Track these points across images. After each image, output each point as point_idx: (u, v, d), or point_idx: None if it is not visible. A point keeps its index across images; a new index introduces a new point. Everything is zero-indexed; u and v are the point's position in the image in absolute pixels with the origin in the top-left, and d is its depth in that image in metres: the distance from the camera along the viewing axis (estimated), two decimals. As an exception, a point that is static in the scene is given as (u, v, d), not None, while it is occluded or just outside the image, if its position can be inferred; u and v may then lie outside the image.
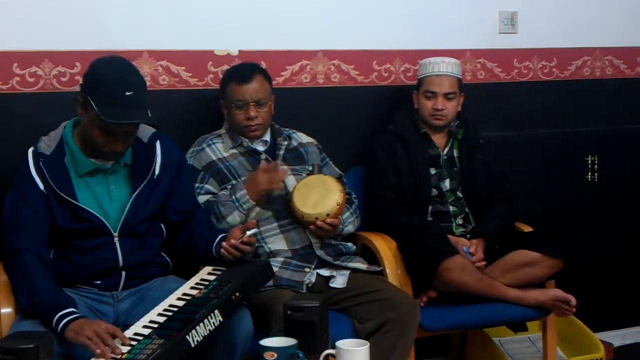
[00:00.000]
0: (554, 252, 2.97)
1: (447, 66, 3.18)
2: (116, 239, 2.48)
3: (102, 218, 2.46)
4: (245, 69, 2.94)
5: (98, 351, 2.10)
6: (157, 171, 2.55)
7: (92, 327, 2.16)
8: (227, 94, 2.89)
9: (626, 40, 3.84)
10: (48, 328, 2.24)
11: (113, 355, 2.10)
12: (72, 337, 2.19)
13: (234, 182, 2.85)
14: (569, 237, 3.06)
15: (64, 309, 2.25)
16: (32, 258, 2.36)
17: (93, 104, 2.33)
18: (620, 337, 3.83)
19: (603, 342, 3.36)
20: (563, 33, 3.71)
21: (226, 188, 2.84)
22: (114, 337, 2.15)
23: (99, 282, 2.47)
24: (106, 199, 2.49)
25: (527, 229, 3.26)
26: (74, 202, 2.43)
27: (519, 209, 3.29)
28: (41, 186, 2.43)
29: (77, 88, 2.46)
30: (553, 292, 2.99)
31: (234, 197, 2.77)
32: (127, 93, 2.33)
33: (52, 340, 1.97)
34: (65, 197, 2.43)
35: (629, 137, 3.87)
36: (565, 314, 3.03)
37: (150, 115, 2.38)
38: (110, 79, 2.35)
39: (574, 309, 2.99)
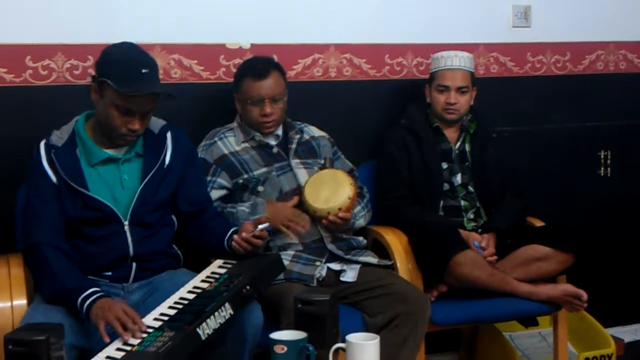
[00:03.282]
0: (565, 247, 2.96)
1: (460, 60, 3.17)
2: (126, 228, 2.49)
3: (112, 206, 2.47)
4: (261, 64, 2.92)
5: (124, 336, 2.15)
6: (167, 160, 2.57)
7: (114, 312, 2.19)
8: (242, 89, 2.89)
9: (640, 34, 3.83)
10: (72, 313, 2.29)
11: (124, 347, 2.12)
12: (94, 319, 2.23)
13: (245, 176, 2.85)
14: (580, 232, 3.05)
15: (87, 290, 2.29)
16: (51, 251, 2.39)
17: (110, 83, 2.37)
18: (631, 333, 3.82)
19: (614, 337, 3.36)
20: (577, 27, 3.69)
21: (238, 183, 2.85)
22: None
23: (109, 273, 2.49)
24: (118, 188, 2.51)
25: (539, 223, 3.25)
26: (85, 191, 2.45)
27: (531, 203, 3.28)
28: (53, 178, 2.46)
29: (88, 79, 2.49)
30: (564, 287, 2.99)
31: (252, 218, 2.75)
32: (143, 70, 2.39)
33: (63, 332, 1.99)
34: (76, 186, 2.45)
35: (643, 131, 3.86)
36: (576, 309, 3.02)
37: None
38: (125, 58, 2.42)
39: (585, 304, 2.98)
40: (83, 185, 2.46)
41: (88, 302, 2.27)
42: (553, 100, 3.70)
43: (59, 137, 2.51)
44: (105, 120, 2.45)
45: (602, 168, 3.80)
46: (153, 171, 2.53)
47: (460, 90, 3.15)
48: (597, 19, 3.72)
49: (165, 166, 2.57)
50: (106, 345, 2.14)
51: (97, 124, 2.50)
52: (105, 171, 2.51)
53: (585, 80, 3.74)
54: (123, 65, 2.39)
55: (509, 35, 3.59)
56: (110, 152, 2.51)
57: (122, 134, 2.45)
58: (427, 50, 3.36)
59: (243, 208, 2.80)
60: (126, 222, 2.50)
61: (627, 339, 3.71)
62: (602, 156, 3.79)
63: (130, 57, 2.42)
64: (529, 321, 3.14)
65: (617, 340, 3.42)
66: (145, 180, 2.51)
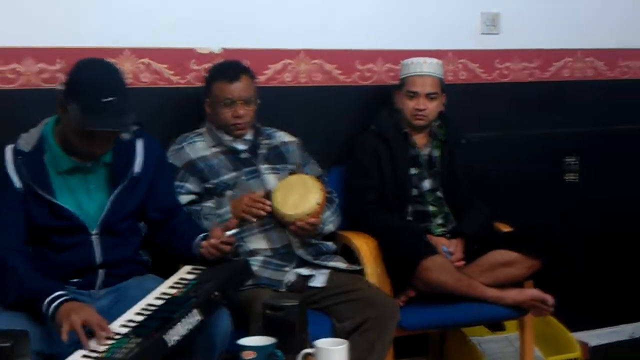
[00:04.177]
0: (532, 252, 2.99)
1: (429, 66, 3.20)
2: (94, 237, 2.47)
3: (80, 216, 2.45)
4: (233, 67, 2.94)
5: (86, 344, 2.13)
6: (137, 169, 2.54)
7: (81, 317, 2.17)
8: (214, 92, 2.89)
9: (607, 42, 3.86)
10: (36, 318, 2.26)
11: (90, 354, 2.11)
12: (58, 321, 2.19)
13: (214, 181, 2.85)
14: (547, 238, 3.09)
15: (53, 293, 2.25)
16: (13, 255, 2.36)
17: (72, 108, 2.32)
18: (596, 337, 3.86)
19: (579, 341, 3.39)
20: (544, 34, 3.73)
21: (206, 188, 2.85)
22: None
23: (76, 280, 2.47)
24: (85, 197, 2.48)
25: (506, 229, 3.28)
26: (52, 199, 2.43)
27: (498, 209, 3.31)
28: (18, 184, 2.41)
29: (58, 86, 2.45)
30: (531, 292, 3.02)
31: (217, 212, 2.76)
32: (107, 99, 2.30)
33: (29, 339, 1.97)
34: (43, 195, 2.42)
35: (609, 138, 3.90)
36: (542, 314, 3.06)
37: (130, 121, 2.38)
38: (89, 83, 2.33)
39: (552, 309, 3.02)
40: (50, 193, 2.43)
41: (54, 305, 2.23)
42: (521, 106, 3.73)
43: (27, 142, 2.46)
44: (68, 138, 2.41)
45: (570, 174, 3.84)
46: (124, 183, 2.50)
47: (429, 96, 3.18)
48: (564, 26, 3.76)
49: (134, 175, 2.54)
50: (71, 352, 2.12)
51: (63, 132, 2.46)
52: (72, 180, 2.47)
53: (552, 87, 3.78)
54: (86, 90, 2.32)
55: (478, 42, 3.61)
56: (77, 160, 2.46)
57: (83, 153, 2.42)
58: (397, 56, 3.38)
59: (209, 204, 2.80)
60: (94, 232, 2.47)
61: (593, 343, 3.75)
62: (569, 162, 3.83)
63: (96, 82, 2.33)
64: (496, 326, 3.18)
65: (583, 344, 3.46)
66: (116, 192, 2.49)
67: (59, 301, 2.24)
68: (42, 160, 2.45)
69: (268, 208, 2.74)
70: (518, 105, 3.72)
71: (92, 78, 2.35)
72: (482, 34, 3.61)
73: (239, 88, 2.87)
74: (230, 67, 2.94)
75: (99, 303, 2.46)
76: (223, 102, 2.87)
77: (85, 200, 2.48)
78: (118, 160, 2.52)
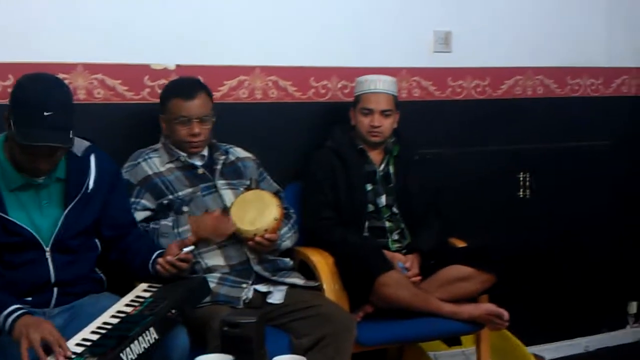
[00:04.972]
0: (486, 267, 3.02)
1: (384, 84, 3.22)
2: (48, 254, 2.43)
3: (33, 232, 2.41)
4: (189, 84, 2.92)
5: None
6: (91, 185, 2.51)
7: (40, 333, 2.13)
8: (170, 109, 2.87)
9: (556, 61, 3.94)
10: None
11: None
12: (17, 337, 2.16)
13: (170, 197, 2.83)
14: (501, 252, 3.12)
15: (8, 307, 2.22)
16: None
17: (12, 123, 2.29)
18: (552, 351, 3.91)
19: (535, 355, 3.44)
20: (496, 53, 3.79)
21: (162, 204, 2.82)
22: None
23: (29, 298, 2.42)
24: (37, 214, 2.44)
25: (461, 244, 3.31)
26: (4, 215, 2.38)
27: (453, 224, 3.34)
28: None
29: (8, 102, 2.42)
30: (486, 307, 3.05)
31: (176, 230, 2.74)
32: (46, 113, 2.26)
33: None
34: None
35: (560, 154, 3.97)
36: (498, 328, 3.08)
37: (71, 137, 2.34)
38: (29, 98, 2.29)
39: (507, 323, 3.05)
40: (2, 210, 2.38)
41: (11, 319, 2.20)
42: (473, 123, 3.78)
43: (-23, 159, 2.43)
44: (15, 153, 2.37)
45: (522, 190, 3.89)
46: (77, 199, 2.46)
47: (383, 113, 3.20)
48: (515, 45, 3.82)
49: (88, 192, 2.50)
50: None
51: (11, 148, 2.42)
52: (24, 197, 2.42)
53: (504, 104, 3.83)
54: (26, 105, 2.28)
55: (431, 60, 3.65)
56: (28, 176, 2.41)
57: (28, 169, 2.38)
58: (352, 73, 3.40)
59: (166, 222, 2.77)
60: (47, 249, 2.43)
61: (548, 356, 3.80)
62: (521, 178, 3.89)
63: (36, 96, 2.28)
64: (453, 340, 3.19)
65: (538, 357, 3.50)
66: (69, 208, 2.45)
67: (15, 315, 2.21)
68: None
69: (231, 229, 2.76)
70: (471, 122, 3.76)
71: (31, 93, 2.31)
72: (435, 52, 3.65)
73: (194, 106, 2.85)
74: (187, 84, 2.92)
75: (53, 321, 2.40)
76: (178, 120, 2.85)
77: (38, 217, 2.44)
78: (72, 176, 2.48)
